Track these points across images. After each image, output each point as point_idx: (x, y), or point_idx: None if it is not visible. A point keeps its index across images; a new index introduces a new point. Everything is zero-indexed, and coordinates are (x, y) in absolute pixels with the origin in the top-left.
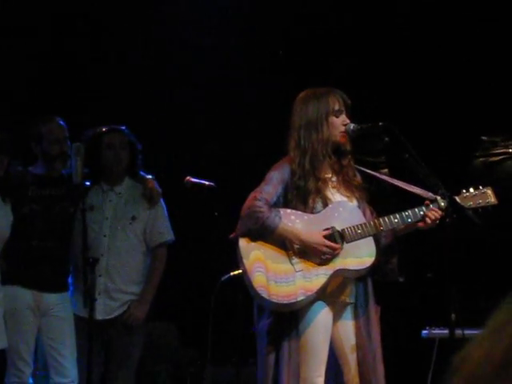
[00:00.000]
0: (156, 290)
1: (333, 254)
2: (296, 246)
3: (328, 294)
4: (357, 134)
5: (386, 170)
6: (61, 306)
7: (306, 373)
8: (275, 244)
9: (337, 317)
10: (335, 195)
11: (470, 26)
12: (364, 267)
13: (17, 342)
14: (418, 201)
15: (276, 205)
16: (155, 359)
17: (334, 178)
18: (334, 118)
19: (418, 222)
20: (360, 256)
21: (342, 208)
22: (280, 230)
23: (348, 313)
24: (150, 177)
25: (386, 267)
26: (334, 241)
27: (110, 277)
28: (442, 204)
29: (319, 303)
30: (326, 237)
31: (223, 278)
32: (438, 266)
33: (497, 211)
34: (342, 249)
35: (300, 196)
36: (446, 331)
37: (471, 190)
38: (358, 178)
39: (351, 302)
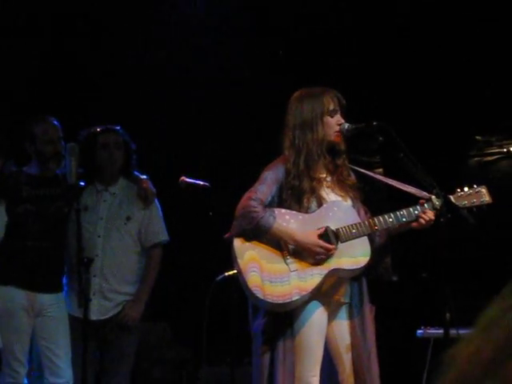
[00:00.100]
0: (151, 290)
1: (327, 255)
2: (291, 246)
3: (323, 294)
4: (351, 134)
5: (380, 170)
6: (55, 307)
7: (301, 372)
8: (270, 244)
9: (331, 316)
10: (330, 195)
11: (465, 27)
12: (359, 267)
13: (11, 342)
14: (413, 200)
15: (270, 204)
16: (150, 359)
17: (329, 178)
18: (329, 118)
19: (412, 221)
20: (355, 256)
21: (337, 208)
22: (274, 229)
23: (343, 312)
24: (144, 177)
25: (380, 267)
26: (329, 240)
27: (105, 277)
28: (437, 203)
29: (314, 303)
30: (320, 236)
31: (218, 278)
32: (432, 265)
33: (492, 210)
34: (336, 248)
35: (294, 196)
36: (441, 331)
37: (466, 189)
38: (353, 177)
39: (346, 301)
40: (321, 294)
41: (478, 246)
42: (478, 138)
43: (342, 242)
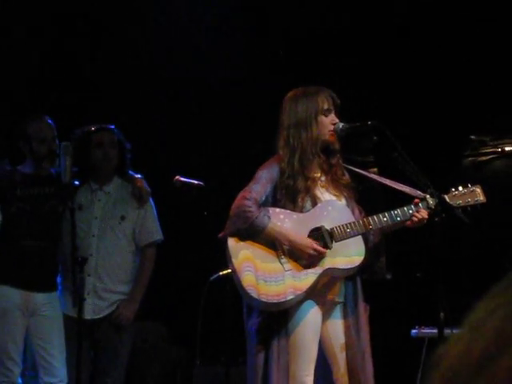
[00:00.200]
0: (145, 290)
1: (319, 258)
2: (285, 246)
3: (317, 293)
4: (345, 133)
5: (375, 170)
6: (50, 306)
7: (295, 372)
8: (264, 243)
9: (326, 316)
10: (324, 194)
11: (462, 27)
12: (353, 266)
13: (6, 341)
14: (407, 199)
15: (265, 204)
16: (145, 358)
17: (323, 177)
18: (323, 117)
19: (406, 220)
20: (349, 255)
21: (331, 207)
22: (269, 229)
23: (337, 312)
24: (139, 176)
25: (374, 266)
26: (323, 240)
27: (99, 276)
28: (431, 203)
29: (308, 302)
30: (314, 237)
31: (212, 278)
32: (427, 265)
33: (486, 210)
34: (331, 248)
35: (289, 195)
36: (436, 330)
37: (460, 188)
38: (347, 176)
39: (340, 301)
40: (315, 293)
41: (472, 246)
42: (472, 137)
43: (336, 242)
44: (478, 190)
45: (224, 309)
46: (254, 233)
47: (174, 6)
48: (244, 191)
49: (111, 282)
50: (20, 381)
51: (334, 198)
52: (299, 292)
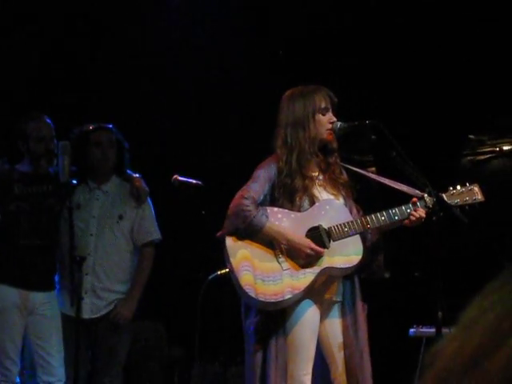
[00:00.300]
0: (143, 289)
1: (317, 258)
2: (283, 245)
3: (315, 293)
4: (344, 132)
5: (373, 169)
6: (48, 305)
7: (294, 371)
8: (262, 243)
9: (324, 315)
10: (322, 193)
11: (461, 28)
12: (351, 265)
13: (4, 340)
14: (405, 198)
15: (263, 203)
16: (143, 358)
17: (321, 176)
18: (321, 116)
19: (404, 219)
20: (347, 254)
21: (329, 206)
22: (267, 229)
23: (335, 311)
24: (137, 175)
25: (372, 265)
26: (321, 239)
27: (97, 276)
28: (429, 201)
29: (306, 301)
30: (312, 236)
31: (210, 277)
32: (425, 264)
33: (484, 209)
34: (328, 247)
35: (287, 194)
36: (433, 330)
37: (458, 187)
38: (345, 175)
39: (338, 300)
40: (313, 292)
41: (470, 245)
42: (470, 136)
43: (334, 241)
44: (476, 188)
45: (222, 308)
46: (251, 232)
47: (173, 6)
48: (242, 190)
49: (109, 281)
50: (18, 380)
51: (331, 197)
52: (297, 291)
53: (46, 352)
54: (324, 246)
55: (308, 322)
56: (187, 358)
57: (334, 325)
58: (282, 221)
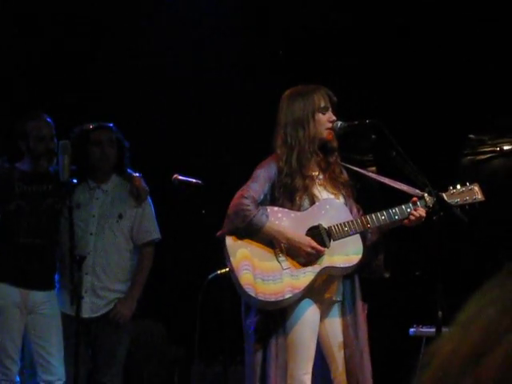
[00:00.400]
0: (143, 289)
1: (317, 256)
2: (283, 245)
3: (315, 292)
4: (344, 132)
5: (373, 168)
6: (48, 304)
7: (293, 370)
8: (262, 242)
9: (324, 314)
10: (322, 193)
11: (461, 28)
12: (351, 265)
13: (4, 339)
14: (406, 198)
15: (263, 202)
16: (143, 357)
17: (321, 176)
18: (320, 115)
19: (404, 219)
20: (347, 253)
21: (329, 205)
22: (267, 228)
23: (335, 310)
24: (137, 174)
25: (372, 264)
26: (321, 238)
27: (97, 275)
28: (429, 201)
29: (306, 301)
30: (312, 235)
31: (210, 276)
32: (425, 263)
33: (484, 208)
34: (329, 247)
35: (287, 193)
36: (434, 329)
37: (458, 186)
38: (345, 175)
39: (338, 299)
40: (313, 291)
41: (470, 244)
42: (471, 136)
43: (334, 240)
44: (476, 188)
45: (222, 308)
46: (251, 231)
47: (173, 5)
48: (242, 190)
49: (109, 280)
50: (18, 379)
51: (331, 196)
52: (297, 290)
53: (46, 351)
54: (324, 246)
55: (308, 322)
56: (187, 357)
57: (334, 324)
58: (282, 220)
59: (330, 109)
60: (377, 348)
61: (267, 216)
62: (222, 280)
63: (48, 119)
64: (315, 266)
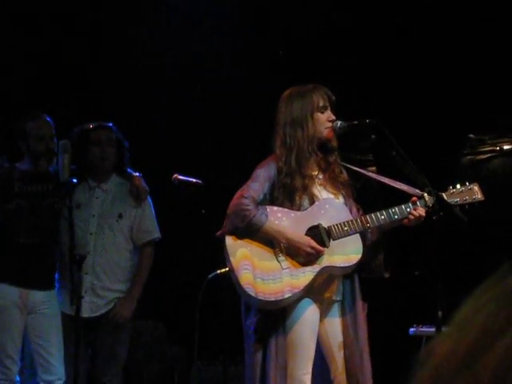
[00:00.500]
0: (143, 288)
1: (317, 256)
2: (283, 244)
3: (315, 292)
4: (344, 131)
5: (373, 168)
6: (48, 304)
7: (293, 370)
8: (262, 241)
9: (324, 314)
10: (322, 192)
11: (461, 28)
12: (351, 264)
13: (4, 339)
14: (405, 198)
15: (262, 202)
16: (143, 357)
17: (321, 175)
18: (319, 114)
19: (404, 218)
20: (347, 253)
21: (329, 205)
22: (266, 228)
23: (335, 310)
24: (137, 174)
25: (372, 264)
26: (321, 238)
27: (97, 275)
28: (429, 201)
29: (306, 300)
30: (312, 235)
31: (210, 276)
32: (425, 263)
33: (484, 208)
34: (328, 246)
35: (286, 193)
36: (433, 329)
37: (458, 186)
38: (345, 174)
39: (338, 299)
40: (313, 291)
41: (470, 244)
42: (471, 136)
43: (334, 240)
44: (476, 188)
45: (222, 307)
46: (251, 231)
47: (173, 6)
48: (242, 190)
49: (108, 280)
50: (18, 379)
51: (331, 196)
52: (296, 290)
53: (45, 351)
54: (324, 245)
55: (308, 322)
56: (187, 357)
57: (334, 324)
58: (282, 220)
59: (329, 108)
60: (377, 348)
61: (267, 216)
62: (221, 280)
63: (48, 119)
64: (315, 265)
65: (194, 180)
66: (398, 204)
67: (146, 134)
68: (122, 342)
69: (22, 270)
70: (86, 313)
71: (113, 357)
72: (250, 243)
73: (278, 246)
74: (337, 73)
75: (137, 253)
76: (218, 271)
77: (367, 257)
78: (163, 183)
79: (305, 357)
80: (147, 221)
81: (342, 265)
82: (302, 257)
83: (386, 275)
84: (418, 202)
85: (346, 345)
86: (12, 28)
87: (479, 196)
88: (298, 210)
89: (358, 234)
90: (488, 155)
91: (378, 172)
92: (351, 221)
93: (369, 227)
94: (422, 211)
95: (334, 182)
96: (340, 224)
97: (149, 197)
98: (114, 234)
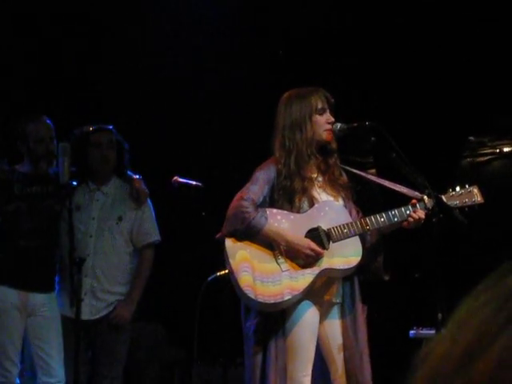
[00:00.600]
0: (143, 291)
1: (316, 258)
2: (282, 247)
3: (314, 294)
4: (343, 134)
5: (373, 171)
6: (48, 306)
7: (293, 372)
8: (261, 244)
9: (323, 316)
10: (321, 195)
11: (461, 28)
12: (350, 266)
13: (4, 342)
14: (405, 200)
15: (262, 204)
16: (143, 359)
17: (320, 178)
18: (318, 117)
19: (403, 221)
20: (346, 255)
21: (329, 207)
22: (266, 230)
23: (335, 312)
24: (137, 177)
25: (372, 266)
26: (321, 240)
27: (96, 277)
28: (429, 203)
29: (306, 303)
30: (311, 237)
31: (210, 278)
32: (425, 265)
33: (484, 210)
34: (328, 249)
35: (286, 196)
36: (433, 331)
37: (457, 188)
38: (344, 177)
39: (338, 301)
40: (312, 293)
41: (469, 246)
42: (470, 138)
43: (333, 242)
44: (475, 190)
45: (222, 309)
46: (251, 233)
47: (173, 6)
48: (241, 192)
49: (108, 282)
50: (18, 381)
51: (331, 198)
52: (296, 292)
53: (45, 353)
54: (323, 248)
55: (307, 324)
56: (187, 359)
57: (334, 326)
58: (282, 222)
59: (329, 110)
60: (376, 350)
61: (266, 218)
62: (221, 282)
63: (48, 121)
64: (314, 267)
65: (194, 182)
66: (398, 206)
67: (145, 136)
68: (121, 345)
69: (21, 272)
70: (85, 315)
71: (113, 359)
72: (250, 245)
73: (277, 249)
74: (337, 73)
75: (137, 255)
76: (218, 273)
77: (367, 259)
78: (163, 185)
79: (304, 359)
80: (147, 223)
81: (341, 267)
82: (301, 259)
83: (386, 277)
84: (417, 205)
85: (345, 347)
86: (12, 28)
87: (479, 198)
88: (298, 212)
89: (357, 237)
90: (488, 157)
91: (378, 174)
92: (351, 223)
93: (368, 229)
94: (421, 214)
95: (333, 185)
96: (339, 226)
97: (149, 199)
98: (114, 236)
